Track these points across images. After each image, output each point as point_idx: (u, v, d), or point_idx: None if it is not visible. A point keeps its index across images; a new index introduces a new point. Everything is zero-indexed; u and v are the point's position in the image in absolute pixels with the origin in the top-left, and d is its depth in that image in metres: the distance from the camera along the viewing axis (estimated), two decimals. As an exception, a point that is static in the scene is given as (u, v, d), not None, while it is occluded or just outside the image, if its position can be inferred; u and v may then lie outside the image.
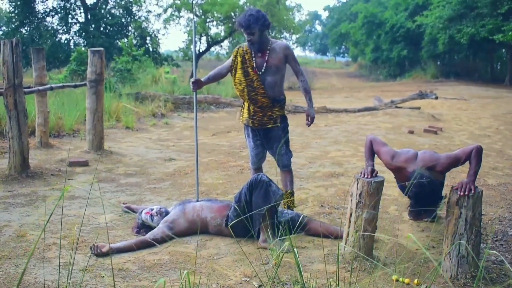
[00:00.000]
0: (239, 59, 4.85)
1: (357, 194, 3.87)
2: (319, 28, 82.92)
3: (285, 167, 5.11)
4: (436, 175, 3.79)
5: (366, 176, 3.91)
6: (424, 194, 3.59)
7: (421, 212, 3.76)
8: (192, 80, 4.93)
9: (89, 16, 26.27)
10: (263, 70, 4.77)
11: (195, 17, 26.54)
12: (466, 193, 3.57)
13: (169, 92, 14.57)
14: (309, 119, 4.99)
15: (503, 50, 32.45)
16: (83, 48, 17.92)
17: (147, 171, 6.90)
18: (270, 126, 4.88)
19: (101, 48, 7.72)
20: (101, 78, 7.52)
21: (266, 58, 4.76)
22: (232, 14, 25.37)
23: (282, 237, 4.33)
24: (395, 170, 3.98)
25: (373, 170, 3.97)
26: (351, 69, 48.57)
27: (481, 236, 3.75)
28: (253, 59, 4.79)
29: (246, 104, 4.96)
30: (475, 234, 3.61)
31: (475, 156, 3.78)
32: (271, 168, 6.85)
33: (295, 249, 3.53)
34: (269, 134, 4.94)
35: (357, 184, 3.88)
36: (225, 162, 7.37)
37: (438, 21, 27.82)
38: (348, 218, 3.96)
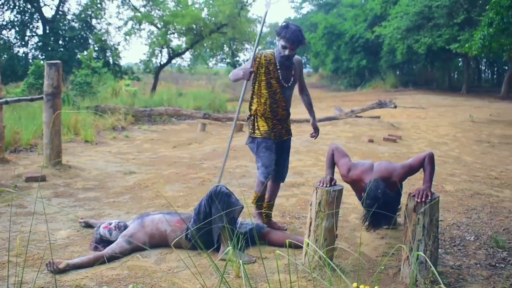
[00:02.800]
0: (262, 70, 4.68)
1: (316, 203, 3.89)
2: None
3: (283, 179, 5.03)
4: (392, 185, 3.83)
5: (324, 185, 3.93)
6: (379, 205, 3.61)
7: (381, 220, 3.78)
8: (251, 69, 4.65)
9: (47, 29, 25.90)
10: (289, 84, 4.72)
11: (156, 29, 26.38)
12: (423, 199, 3.62)
13: (129, 105, 14.43)
14: (317, 132, 5.07)
15: (460, 59, 33.21)
16: (41, 62, 17.62)
17: (106, 185, 6.79)
18: (285, 138, 4.87)
19: (58, 61, 7.57)
20: (58, 91, 7.38)
21: (293, 72, 4.71)
22: (194, 26, 25.29)
23: (242, 249, 4.32)
24: (352, 183, 4.01)
25: (331, 179, 3.99)
26: (312, 80, 48.86)
27: (438, 241, 3.80)
28: (278, 71, 4.65)
29: (261, 118, 4.74)
30: (433, 240, 3.66)
31: (428, 163, 3.84)
32: (232, 180, 6.85)
33: (254, 259, 3.52)
34: (283, 145, 4.87)
35: (316, 193, 3.90)
36: (186, 174, 7.31)
37: (396, 32, 28.32)
38: (308, 227, 3.98)
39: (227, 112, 17.16)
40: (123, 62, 28.37)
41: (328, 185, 3.92)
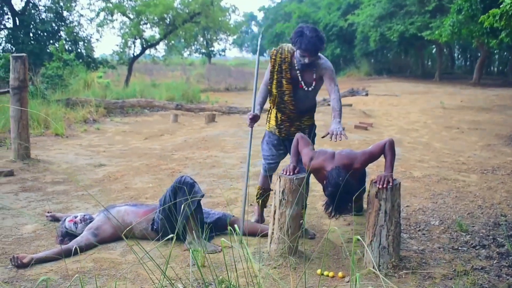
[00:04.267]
0: (276, 67, 4.41)
1: (279, 191, 3.91)
2: (255, 29, 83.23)
3: (306, 179, 4.69)
4: (354, 173, 3.87)
5: (288, 173, 3.95)
6: (340, 193, 3.64)
7: (343, 207, 3.81)
8: (249, 116, 4.40)
9: (17, 22, 25.44)
10: (311, 88, 4.39)
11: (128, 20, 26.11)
12: (385, 185, 3.66)
13: (101, 97, 14.30)
14: (332, 134, 4.18)
15: (433, 46, 33.50)
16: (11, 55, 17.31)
17: (76, 178, 6.75)
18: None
19: (24, 54, 7.48)
20: (24, 84, 7.30)
21: (314, 76, 4.36)
22: (166, 16, 25.09)
23: (208, 238, 4.34)
24: (315, 171, 4.03)
25: (295, 168, 4.02)
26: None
27: (400, 226, 3.86)
28: (297, 72, 4.34)
29: (274, 111, 4.61)
30: (395, 225, 3.71)
31: (388, 150, 3.88)
32: (202, 170, 6.86)
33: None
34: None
35: (280, 181, 3.92)
36: (156, 166, 7.29)
37: (369, 20, 28.47)
38: (272, 216, 4.00)
39: (200, 102, 17.10)
40: (97, 54, 28.04)
41: (291, 173, 3.95)
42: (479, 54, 29.29)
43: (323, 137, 4.14)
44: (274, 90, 4.47)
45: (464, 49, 37.65)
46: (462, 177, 6.70)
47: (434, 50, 34.91)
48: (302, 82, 4.37)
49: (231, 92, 24.16)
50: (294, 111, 4.50)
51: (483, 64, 27.09)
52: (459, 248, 4.26)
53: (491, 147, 9.07)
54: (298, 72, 4.35)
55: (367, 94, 14.78)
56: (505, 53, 34.10)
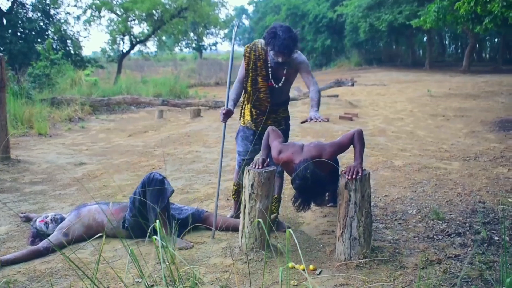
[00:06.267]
0: (251, 65, 4.35)
1: (249, 185, 3.86)
2: (246, 22, 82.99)
3: (280, 172, 4.52)
4: (323, 165, 3.81)
5: (257, 166, 3.90)
6: (308, 186, 3.59)
7: (311, 200, 3.76)
8: (223, 111, 4.31)
9: (4, 21, 25.27)
10: (280, 84, 4.36)
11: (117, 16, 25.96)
12: (354, 176, 3.61)
13: (87, 95, 14.21)
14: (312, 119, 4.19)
15: (424, 34, 33.47)
16: (-1, 55, 17.19)
17: (55, 177, 6.68)
18: None
19: (0, 54, 7.40)
20: (2, 84, 7.22)
21: (285, 71, 4.31)
22: (154, 11, 24.98)
23: (180, 234, 4.30)
24: (284, 164, 3.97)
25: (264, 161, 3.97)
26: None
27: (371, 217, 3.81)
28: (269, 69, 4.31)
29: (248, 106, 4.54)
30: (365, 216, 3.67)
31: (357, 140, 3.82)
32: (182, 165, 6.80)
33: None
34: None
35: (249, 175, 3.87)
36: (137, 163, 7.24)
37: (358, 10, 28.43)
38: (242, 210, 3.95)
39: (188, 97, 17.02)
40: (87, 52, 27.91)
41: (260, 167, 3.90)
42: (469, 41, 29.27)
43: (302, 123, 4.12)
44: (249, 88, 4.41)
45: (455, 36, 37.66)
46: (443, 165, 6.67)
47: (425, 39, 34.88)
48: (272, 80, 4.33)
49: (221, 86, 24.05)
50: (270, 107, 4.45)
51: (472, 51, 27.09)
52: (434, 236, 4.22)
53: (475, 133, 9.04)
54: (270, 69, 4.30)
55: (353, 85, 14.73)
56: (496, 39, 34.12)
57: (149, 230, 3.04)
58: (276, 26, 4.10)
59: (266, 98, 4.39)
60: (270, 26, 4.18)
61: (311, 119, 3.95)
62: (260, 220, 3.39)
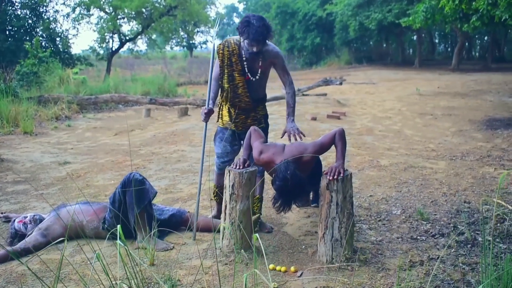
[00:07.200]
0: (226, 61, 4.29)
1: (230, 185, 3.81)
2: (237, 20, 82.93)
3: (260, 172, 4.44)
4: (305, 165, 3.76)
5: (238, 167, 3.85)
6: (288, 187, 3.53)
7: (291, 202, 3.71)
8: (204, 110, 4.31)
9: (-8, 19, 25.08)
10: (257, 77, 4.31)
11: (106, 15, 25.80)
12: (335, 177, 3.57)
13: (74, 93, 14.09)
14: (290, 133, 4.26)
15: (414, 33, 33.54)
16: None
17: (38, 177, 6.60)
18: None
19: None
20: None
21: (260, 64, 4.27)
22: (143, 9, 24.86)
23: (161, 235, 4.24)
24: (264, 165, 3.92)
25: (245, 161, 3.92)
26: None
27: (353, 218, 3.76)
28: (244, 63, 4.26)
29: (225, 107, 4.48)
30: (347, 217, 3.62)
31: (339, 140, 3.77)
32: (166, 165, 6.74)
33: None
34: None
35: (229, 175, 3.82)
36: (122, 162, 7.16)
37: (347, 9, 28.44)
38: (223, 211, 3.90)
39: (176, 96, 16.93)
40: (76, 50, 27.76)
41: (241, 167, 3.85)
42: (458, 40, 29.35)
43: (281, 137, 4.17)
44: (226, 85, 4.35)
45: (445, 35, 37.79)
46: (430, 164, 6.64)
47: (415, 37, 34.96)
48: (249, 74, 4.28)
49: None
50: (249, 102, 4.38)
51: (461, 49, 27.17)
52: (418, 237, 4.19)
53: (462, 132, 9.03)
54: (245, 62, 4.25)
55: (341, 83, 14.72)
56: (486, 38, 34.23)
57: (129, 228, 2.97)
58: (249, 15, 4.10)
59: (245, 93, 4.33)
60: (243, 16, 4.17)
61: (290, 134, 4.12)
62: (241, 220, 3.35)
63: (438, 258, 3.73)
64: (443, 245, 3.99)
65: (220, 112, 4.55)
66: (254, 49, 4.10)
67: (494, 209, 4.41)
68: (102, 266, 2.59)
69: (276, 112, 11.24)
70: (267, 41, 4.17)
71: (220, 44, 4.36)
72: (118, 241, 2.55)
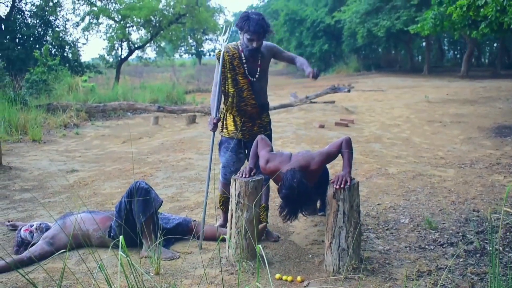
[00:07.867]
0: (228, 66, 4.32)
1: (235, 194, 3.79)
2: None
3: (266, 180, 4.32)
4: (311, 174, 3.74)
5: (244, 176, 3.83)
6: (294, 196, 3.51)
7: (298, 210, 3.68)
8: (213, 120, 4.30)
9: (2, 27, 25.23)
10: (257, 76, 4.34)
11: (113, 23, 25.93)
12: (342, 185, 3.54)
13: (82, 101, 14.13)
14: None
15: (423, 40, 33.48)
16: (-1, 62, 17.18)
17: (45, 185, 6.60)
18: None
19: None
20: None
21: (259, 63, 4.33)
22: (152, 18, 24.97)
23: (168, 244, 4.23)
24: (271, 174, 3.90)
25: (251, 170, 3.90)
26: (279, 67, 48.95)
27: (360, 227, 3.74)
28: (244, 65, 4.30)
29: (230, 116, 4.47)
30: (354, 226, 3.59)
31: (346, 148, 3.74)
32: (174, 173, 6.73)
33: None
34: None
35: (235, 184, 3.80)
36: (129, 170, 7.16)
37: (355, 16, 28.45)
38: (229, 220, 3.88)
39: (185, 103, 16.95)
40: (86, 58, 27.93)
41: (247, 176, 3.83)
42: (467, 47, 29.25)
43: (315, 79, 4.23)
44: (231, 90, 4.35)
45: (454, 42, 37.66)
46: (438, 172, 6.59)
47: (423, 44, 34.89)
48: (249, 76, 4.32)
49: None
50: (255, 105, 4.39)
51: (471, 56, 27.08)
52: (426, 247, 4.15)
53: (471, 140, 8.97)
54: (245, 65, 4.30)
55: (349, 91, 14.69)
56: (495, 45, 34.09)
57: (137, 237, 2.96)
58: (247, 11, 4.19)
59: (250, 95, 4.35)
60: (242, 13, 4.24)
61: (311, 74, 4.12)
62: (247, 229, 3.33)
63: (446, 267, 3.69)
64: (452, 255, 3.95)
65: (224, 122, 4.52)
66: (254, 45, 4.15)
67: (502, 218, 4.35)
68: (104, 276, 2.57)
69: (283, 120, 11.22)
70: (264, 38, 4.23)
71: (218, 52, 4.39)
72: (120, 252, 2.51)
